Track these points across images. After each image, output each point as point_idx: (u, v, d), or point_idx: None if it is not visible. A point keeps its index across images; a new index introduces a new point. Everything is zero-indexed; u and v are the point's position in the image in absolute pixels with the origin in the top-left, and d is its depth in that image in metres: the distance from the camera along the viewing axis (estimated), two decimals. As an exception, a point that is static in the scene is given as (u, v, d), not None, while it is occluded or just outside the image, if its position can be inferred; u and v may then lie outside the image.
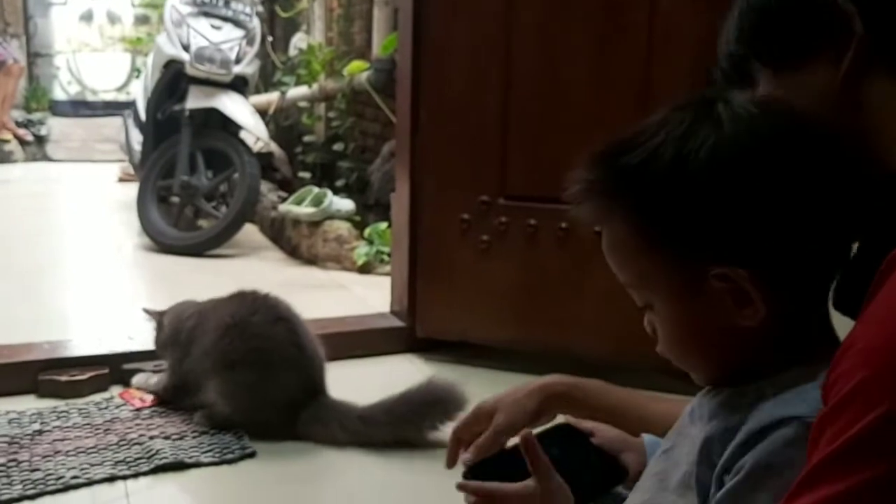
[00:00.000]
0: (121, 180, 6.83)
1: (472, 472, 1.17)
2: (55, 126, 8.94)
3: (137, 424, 2.36)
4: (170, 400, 2.47)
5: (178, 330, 2.46)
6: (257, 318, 2.32)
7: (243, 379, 2.29)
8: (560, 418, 1.30)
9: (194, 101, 4.52)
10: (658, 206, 0.86)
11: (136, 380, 2.58)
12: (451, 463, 1.40)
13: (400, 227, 3.05)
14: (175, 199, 4.80)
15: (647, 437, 1.22)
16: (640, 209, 0.87)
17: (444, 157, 2.83)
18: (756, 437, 0.82)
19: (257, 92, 5.99)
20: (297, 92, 5.72)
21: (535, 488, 1.03)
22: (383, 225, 4.24)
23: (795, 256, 0.85)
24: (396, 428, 2.25)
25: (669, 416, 1.28)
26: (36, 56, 9.75)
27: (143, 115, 5.02)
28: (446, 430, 2.12)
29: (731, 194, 0.83)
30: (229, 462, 2.19)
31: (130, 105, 5.74)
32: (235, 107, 4.56)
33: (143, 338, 2.85)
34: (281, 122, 6.14)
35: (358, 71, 5.07)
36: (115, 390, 2.61)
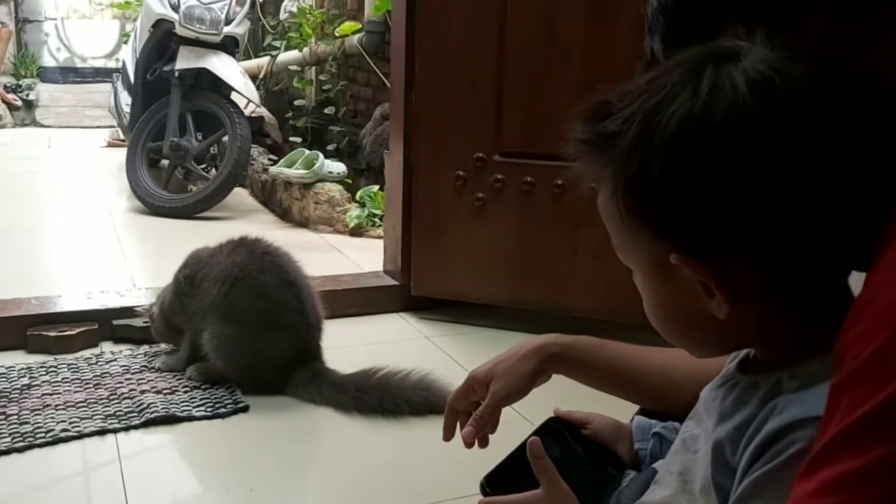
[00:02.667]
0: (110, 145, 6.77)
1: (488, 485, 1.14)
2: (44, 92, 8.84)
3: (128, 379, 2.33)
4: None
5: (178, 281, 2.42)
6: (268, 279, 2.28)
7: (242, 336, 2.27)
8: (551, 411, 1.25)
9: (184, 61, 4.46)
10: (626, 180, 0.80)
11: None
12: (448, 435, 1.32)
13: (394, 185, 3.01)
14: (165, 162, 4.75)
15: (636, 422, 1.18)
16: (614, 178, 0.82)
17: (439, 114, 2.79)
18: (773, 438, 0.76)
19: (247, 57, 5.93)
20: (287, 56, 5.65)
21: (543, 497, 1.02)
22: (375, 188, 4.21)
23: (772, 246, 0.76)
24: (385, 404, 2.19)
25: (670, 367, 1.25)
26: (25, 22, 9.61)
27: (132, 77, 4.96)
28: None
29: (686, 179, 0.76)
30: (222, 416, 2.17)
31: (119, 71, 5.67)
32: (225, 68, 4.49)
33: (132, 294, 2.82)
34: (271, 87, 6.07)
35: (350, 32, 5.01)
36: (106, 346, 2.58)
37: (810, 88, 0.75)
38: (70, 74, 9.74)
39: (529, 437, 1.07)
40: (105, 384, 2.30)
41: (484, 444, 1.27)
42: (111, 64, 9.59)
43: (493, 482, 1.14)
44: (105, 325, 2.62)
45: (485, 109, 2.73)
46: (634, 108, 0.80)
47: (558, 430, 1.20)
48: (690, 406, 1.23)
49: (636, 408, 1.32)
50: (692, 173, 0.76)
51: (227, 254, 2.33)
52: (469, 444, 1.27)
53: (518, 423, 2.05)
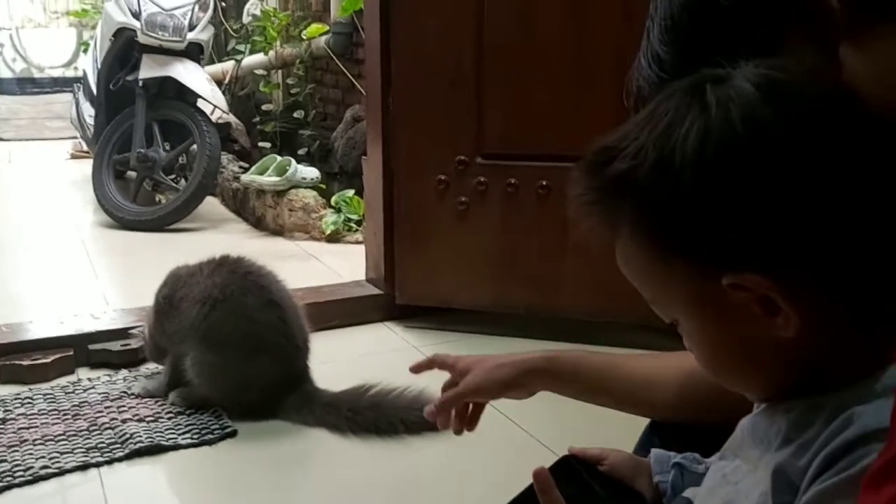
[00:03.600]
0: (73, 157, 6.61)
1: None
2: (2, 104, 8.66)
3: (108, 407, 2.24)
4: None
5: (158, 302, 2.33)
6: (250, 300, 2.19)
7: (225, 361, 2.18)
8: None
9: (147, 70, 4.33)
10: (654, 214, 0.76)
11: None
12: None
13: (373, 191, 2.93)
14: (132, 174, 4.62)
15: (654, 455, 1.13)
16: (638, 219, 0.77)
17: (417, 117, 2.72)
18: (846, 448, 0.70)
19: (211, 62, 5.81)
20: (252, 60, 5.54)
21: None
22: (350, 192, 4.13)
23: (830, 254, 0.72)
24: (380, 424, 2.11)
25: (657, 373, 1.25)
26: (-22, 33, 9.44)
27: (94, 88, 4.83)
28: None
29: (723, 192, 0.72)
30: (209, 443, 2.08)
31: (80, 80, 5.53)
32: (191, 75, 4.38)
33: (107, 317, 2.72)
34: (237, 92, 5.94)
35: (316, 35, 4.90)
36: (83, 373, 2.48)
37: (816, 88, 0.74)
38: (28, 85, 9.57)
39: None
40: (84, 414, 2.20)
41: (458, 430, 1.36)
42: (70, 73, 9.42)
43: None
44: (80, 350, 2.52)
45: (465, 110, 2.66)
46: (642, 140, 0.76)
47: (573, 468, 1.14)
48: (671, 407, 1.23)
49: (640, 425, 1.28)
50: (728, 183, 0.71)
51: (208, 274, 2.23)
52: (432, 418, 1.35)
53: (537, 451, 1.99)
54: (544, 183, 2.60)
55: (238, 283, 2.20)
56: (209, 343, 2.17)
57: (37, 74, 9.81)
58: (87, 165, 4.82)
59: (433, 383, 2.18)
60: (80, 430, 2.12)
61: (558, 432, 2.08)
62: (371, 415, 2.10)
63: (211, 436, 2.09)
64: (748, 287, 0.72)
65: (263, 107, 5.64)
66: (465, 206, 2.70)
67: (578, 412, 2.11)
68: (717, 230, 0.73)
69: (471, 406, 1.45)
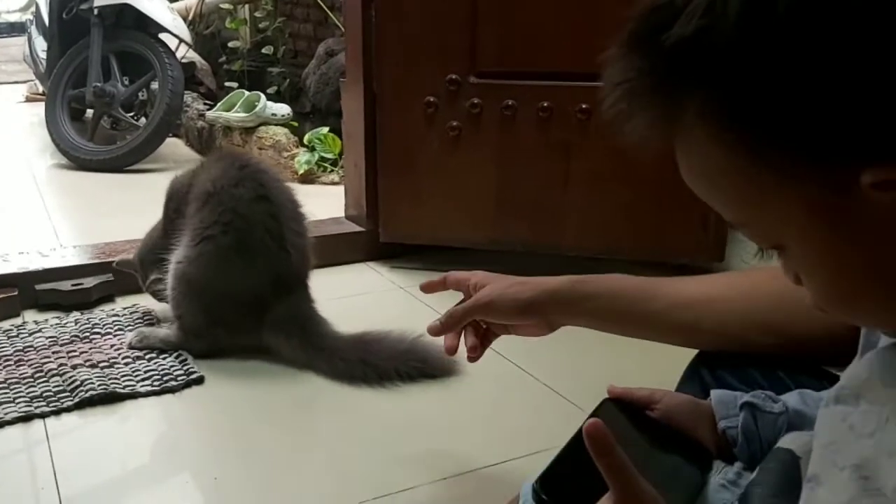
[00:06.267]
0: (28, 100, 6.27)
1: (543, 490, 0.81)
2: (-46, 48, 8.24)
3: (56, 353, 1.97)
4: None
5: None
6: (238, 193, 1.93)
7: (204, 258, 1.92)
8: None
9: (103, -3, 4.01)
10: (749, 90, 0.52)
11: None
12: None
13: (353, 117, 2.65)
14: (89, 111, 4.30)
15: (716, 397, 0.92)
16: (722, 103, 0.54)
17: (403, 31, 2.43)
18: None
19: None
20: (217, -6, 5.21)
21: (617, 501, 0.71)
22: (325, 129, 3.84)
23: None
24: (368, 368, 1.86)
25: (705, 292, 1.10)
26: (-72, -24, 8.95)
27: (46, 19, 4.49)
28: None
29: (861, 42, 0.50)
30: (172, 391, 1.82)
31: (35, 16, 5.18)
32: (150, 3, 4.06)
33: (58, 254, 2.44)
34: (201, 31, 5.61)
35: (286, -37, 4.59)
36: (29, 315, 2.20)
37: None
38: (-18, 30, 9.12)
39: (584, 425, 0.75)
40: (29, 360, 1.93)
41: (472, 351, 1.26)
42: (27, 17, 8.97)
43: (549, 486, 0.82)
44: (27, 290, 2.23)
45: (457, 23, 2.37)
46: None
47: (615, 415, 0.90)
48: (721, 332, 1.05)
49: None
50: (871, 28, 0.49)
51: (207, 169, 2.02)
52: (434, 333, 1.31)
53: (565, 408, 1.76)
54: (545, 104, 2.34)
55: (232, 176, 1.95)
56: (191, 237, 1.93)
57: (-8, 19, 9.38)
58: (42, 108, 4.48)
59: (420, 321, 1.95)
60: (24, 378, 1.85)
61: (577, 383, 1.85)
62: (373, 361, 1.86)
63: (174, 382, 1.83)
64: None
65: (230, 44, 5.31)
66: (456, 131, 2.43)
67: (598, 360, 1.88)
68: (854, 101, 0.50)
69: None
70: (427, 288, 1.38)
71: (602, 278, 1.17)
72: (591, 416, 0.87)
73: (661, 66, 0.56)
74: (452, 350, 1.28)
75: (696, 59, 0.54)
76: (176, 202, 2.08)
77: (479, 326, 1.29)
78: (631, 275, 1.18)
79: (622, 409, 0.92)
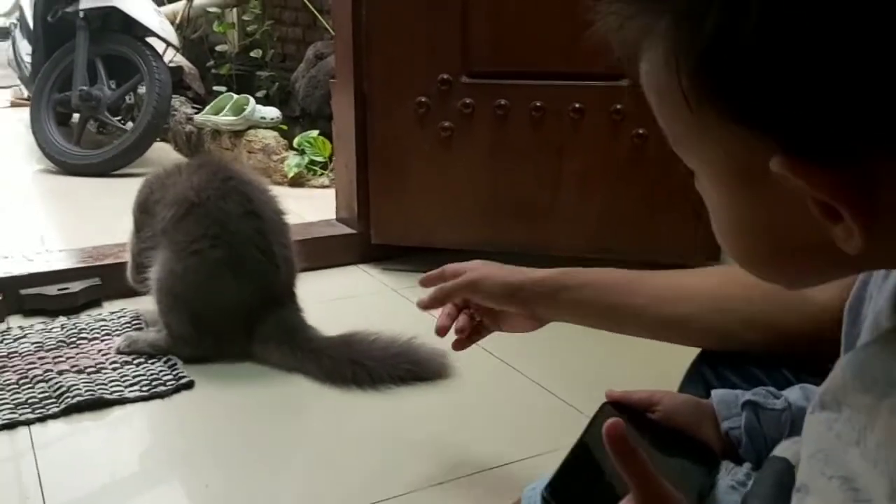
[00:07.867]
0: (13, 105, 6.21)
1: (553, 497, 0.79)
2: (-63, 54, 8.16)
3: (42, 359, 1.92)
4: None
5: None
6: (226, 207, 1.90)
7: (192, 272, 1.88)
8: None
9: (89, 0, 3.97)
10: (701, 41, 0.49)
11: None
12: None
13: (343, 117, 2.61)
14: (76, 117, 4.26)
15: (717, 397, 0.90)
16: (674, 38, 0.51)
17: (394, 31, 2.40)
18: None
19: (160, 3, 5.43)
20: (204, -2, 5.18)
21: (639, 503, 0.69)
22: (314, 132, 3.81)
23: None
24: (359, 369, 1.82)
25: (692, 292, 1.08)
26: (-90, -19, 8.88)
27: (30, 21, 4.44)
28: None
29: (825, 28, 0.46)
30: (161, 396, 1.78)
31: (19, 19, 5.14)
32: (137, 5, 4.02)
33: (42, 258, 2.40)
34: (189, 35, 5.58)
35: (274, -34, 4.56)
36: (14, 321, 2.16)
37: None
38: (-34, 36, 9.05)
39: (585, 431, 0.76)
40: (13, 366, 1.89)
41: (458, 341, 1.30)
42: (11, 21, 8.92)
43: (558, 493, 0.79)
44: (11, 295, 2.19)
45: (448, 22, 2.35)
46: None
47: (624, 415, 0.88)
48: (727, 335, 1.02)
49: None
50: (825, 19, 0.45)
51: (186, 176, 1.96)
52: (423, 307, 1.34)
53: (559, 408, 1.73)
54: (538, 104, 2.32)
55: (217, 188, 1.91)
56: (175, 250, 1.89)
57: (-24, 24, 9.30)
58: (28, 113, 4.44)
59: (411, 323, 1.92)
60: (8, 384, 1.80)
61: (570, 382, 1.82)
62: (364, 363, 1.82)
63: (163, 387, 1.79)
64: (802, 181, 0.48)
65: (218, 48, 5.29)
66: (448, 131, 2.40)
67: (592, 359, 1.86)
68: (792, 90, 0.47)
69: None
70: (426, 281, 1.37)
71: (590, 271, 1.18)
72: (592, 420, 0.85)
73: None
74: (443, 331, 1.30)
75: None
76: (142, 200, 2.04)
77: (471, 318, 1.29)
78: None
79: (622, 412, 0.89)
